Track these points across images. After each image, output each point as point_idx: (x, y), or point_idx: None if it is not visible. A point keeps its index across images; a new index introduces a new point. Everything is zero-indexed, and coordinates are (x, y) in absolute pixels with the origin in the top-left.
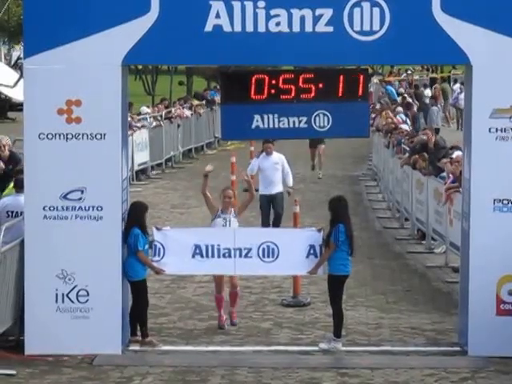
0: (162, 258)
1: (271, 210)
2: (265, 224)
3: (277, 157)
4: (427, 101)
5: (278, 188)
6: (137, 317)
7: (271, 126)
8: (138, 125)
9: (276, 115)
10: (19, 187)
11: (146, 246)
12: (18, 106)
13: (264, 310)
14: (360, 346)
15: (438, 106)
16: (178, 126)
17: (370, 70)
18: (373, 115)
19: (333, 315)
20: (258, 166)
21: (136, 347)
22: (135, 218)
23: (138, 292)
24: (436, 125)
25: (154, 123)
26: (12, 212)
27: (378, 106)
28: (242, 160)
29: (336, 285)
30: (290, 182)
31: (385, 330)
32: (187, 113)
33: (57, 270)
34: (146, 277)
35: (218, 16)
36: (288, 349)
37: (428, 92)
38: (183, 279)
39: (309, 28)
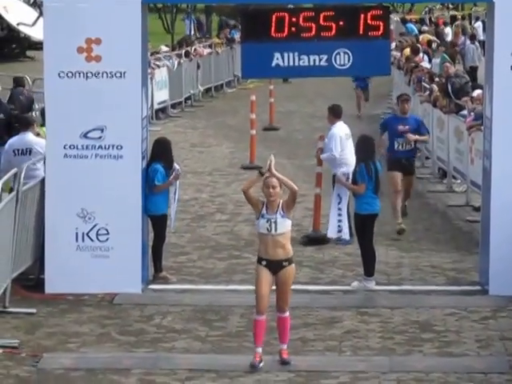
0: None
1: None
2: None
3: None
4: (448, 39)
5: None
6: (154, 252)
7: (291, 64)
8: (159, 63)
9: (296, 53)
10: (23, 126)
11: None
12: (37, 45)
13: None
14: (380, 286)
15: (476, 44)
16: (198, 64)
17: (391, 8)
18: (393, 53)
19: (361, 255)
20: None
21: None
22: (157, 154)
23: (157, 227)
24: (473, 63)
25: (176, 63)
26: (18, 150)
27: (398, 44)
28: (262, 98)
29: (362, 224)
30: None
31: (405, 269)
32: (207, 51)
33: (77, 208)
34: (166, 212)
35: None
36: (308, 288)
37: (448, 30)
38: (203, 218)
39: None
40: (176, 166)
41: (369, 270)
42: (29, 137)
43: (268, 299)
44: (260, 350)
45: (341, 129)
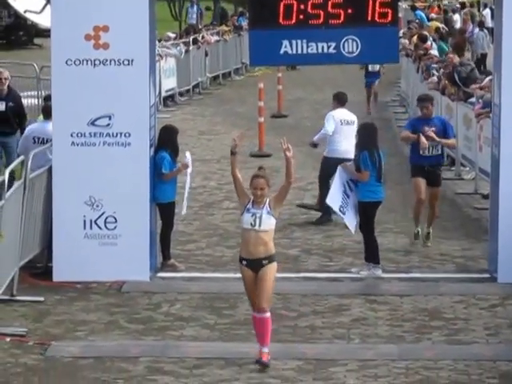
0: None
1: None
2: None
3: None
4: (457, 26)
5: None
6: (162, 239)
7: (299, 51)
8: (170, 52)
9: (304, 41)
10: (47, 114)
11: (175, 169)
12: (44, 32)
13: (292, 236)
14: (389, 273)
15: (485, 31)
16: (206, 52)
17: None
18: (402, 40)
19: (364, 243)
20: None
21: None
22: (164, 141)
23: (165, 215)
24: (482, 50)
25: (184, 50)
26: (38, 138)
27: (407, 31)
28: (270, 86)
29: (365, 211)
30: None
31: (414, 257)
32: (214, 38)
33: (85, 196)
34: (174, 200)
35: None
36: (316, 275)
37: (457, 17)
38: (211, 206)
39: None
40: (187, 155)
41: (375, 258)
42: (51, 126)
43: None
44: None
45: (340, 113)
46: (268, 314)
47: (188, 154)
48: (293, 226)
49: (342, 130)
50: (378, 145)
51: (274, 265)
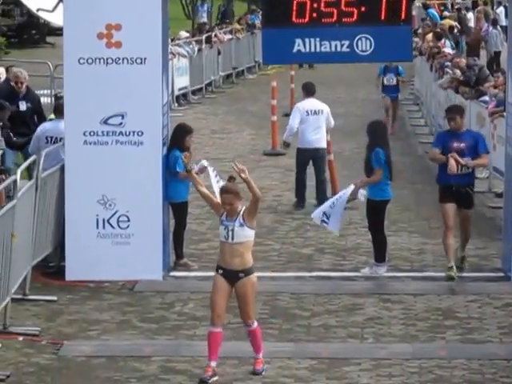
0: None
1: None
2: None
3: None
4: (470, 24)
5: None
6: (175, 238)
7: (313, 49)
8: (183, 51)
9: (318, 39)
10: (59, 112)
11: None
12: (57, 31)
13: (305, 235)
14: (403, 272)
15: (498, 29)
16: (219, 50)
17: None
18: (415, 39)
19: (372, 241)
20: None
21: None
22: (176, 140)
23: (178, 214)
24: (496, 48)
25: (197, 49)
26: (51, 137)
27: (420, 30)
28: (283, 84)
29: (376, 210)
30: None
31: (428, 256)
32: (227, 37)
33: (97, 195)
34: (187, 199)
35: None
36: (330, 274)
37: (471, 15)
38: None
39: None
40: (204, 162)
41: (380, 256)
42: (63, 125)
43: (223, 310)
44: (213, 364)
45: (307, 104)
46: (255, 325)
47: (205, 162)
48: (306, 225)
49: (308, 121)
50: (388, 142)
51: (252, 278)
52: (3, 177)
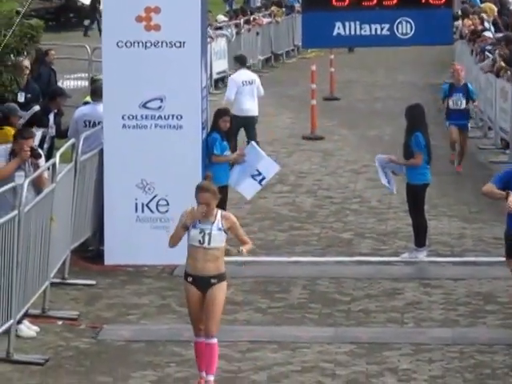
0: None
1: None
2: None
3: None
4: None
5: None
6: None
7: (353, 33)
8: (222, 32)
9: (358, 22)
10: (96, 95)
11: (227, 152)
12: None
13: (345, 220)
14: (443, 257)
15: None
16: (257, 33)
17: None
18: (456, 22)
19: (413, 225)
20: None
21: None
22: (216, 123)
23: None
24: None
25: (235, 32)
26: (89, 121)
27: (460, 13)
28: (322, 68)
29: (416, 194)
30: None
31: (468, 241)
32: (266, 20)
33: (136, 179)
34: (227, 183)
35: None
36: (370, 259)
37: None
38: (264, 189)
39: None
40: (252, 143)
41: (420, 241)
42: (101, 108)
43: (203, 321)
44: (204, 374)
45: (241, 75)
46: (215, 340)
47: (254, 143)
48: (346, 210)
49: (244, 91)
50: (427, 126)
51: (224, 285)
52: (38, 161)
